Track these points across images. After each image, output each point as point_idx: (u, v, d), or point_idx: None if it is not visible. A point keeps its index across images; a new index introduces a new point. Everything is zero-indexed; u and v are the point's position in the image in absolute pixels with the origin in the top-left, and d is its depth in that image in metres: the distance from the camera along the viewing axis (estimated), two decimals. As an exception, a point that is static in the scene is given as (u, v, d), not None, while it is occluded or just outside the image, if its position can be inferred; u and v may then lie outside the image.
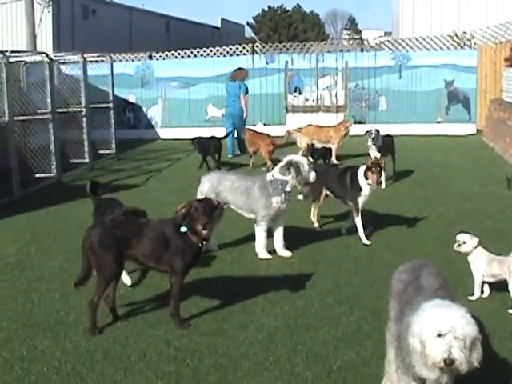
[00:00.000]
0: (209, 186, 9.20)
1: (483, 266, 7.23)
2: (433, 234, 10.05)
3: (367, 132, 14.10)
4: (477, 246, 7.28)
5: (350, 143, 17.89)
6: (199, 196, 8.82)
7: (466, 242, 7.30)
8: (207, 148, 17.09)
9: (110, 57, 20.42)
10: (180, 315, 6.70)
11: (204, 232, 6.43)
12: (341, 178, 10.12)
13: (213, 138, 17.31)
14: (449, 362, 3.93)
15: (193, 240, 6.51)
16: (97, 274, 6.59)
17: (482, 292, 7.33)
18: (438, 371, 4.07)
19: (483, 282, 7.31)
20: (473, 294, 7.29)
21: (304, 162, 8.99)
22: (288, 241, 9.40)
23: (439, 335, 3.97)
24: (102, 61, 20.82)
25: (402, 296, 4.76)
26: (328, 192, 10.52)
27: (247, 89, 20.02)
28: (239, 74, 20.30)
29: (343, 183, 10.05)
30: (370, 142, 13.88)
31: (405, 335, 4.23)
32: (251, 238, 9.53)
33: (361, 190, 9.78)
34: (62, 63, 19.62)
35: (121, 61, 25.99)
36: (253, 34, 79.25)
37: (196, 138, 17.66)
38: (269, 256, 8.96)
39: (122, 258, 6.63)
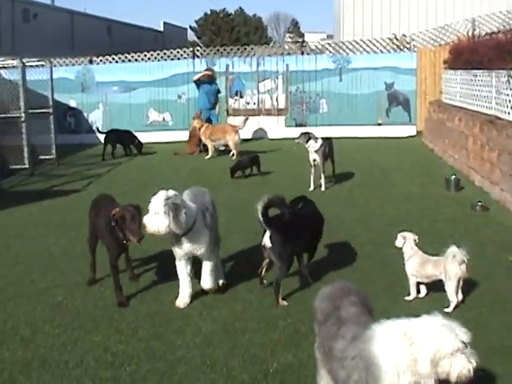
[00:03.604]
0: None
1: (415, 266, 7.35)
2: (371, 235, 10.15)
3: (302, 135, 14.05)
4: (405, 243, 7.46)
5: (289, 146, 17.96)
6: None
7: (400, 238, 7.50)
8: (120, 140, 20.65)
9: (50, 61, 20.21)
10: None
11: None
12: None
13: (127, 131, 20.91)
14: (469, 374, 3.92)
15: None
16: None
17: (419, 292, 7.44)
18: None
19: (419, 283, 7.42)
20: (409, 294, 7.40)
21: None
22: (226, 242, 9.29)
23: (457, 350, 3.94)
24: (42, 65, 20.63)
25: (322, 328, 4.66)
26: None
27: None
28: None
29: None
30: (309, 145, 13.87)
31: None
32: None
33: None
34: (1, 68, 19.38)
35: (61, 65, 25.72)
36: (195, 38, 79.16)
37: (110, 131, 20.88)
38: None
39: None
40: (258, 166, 15.70)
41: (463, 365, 3.90)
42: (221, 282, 7.91)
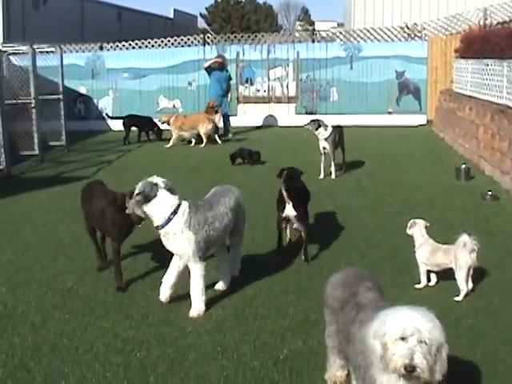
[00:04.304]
0: None
1: (426, 254, 7.35)
2: (380, 223, 10.16)
3: (312, 122, 14.00)
4: (415, 229, 7.47)
5: (300, 134, 17.93)
6: None
7: (412, 225, 7.49)
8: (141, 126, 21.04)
9: (60, 48, 20.20)
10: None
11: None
12: None
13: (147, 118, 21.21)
14: (410, 369, 3.66)
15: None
16: None
17: (429, 280, 7.43)
18: (398, 378, 3.79)
19: (429, 271, 7.42)
20: (419, 283, 7.39)
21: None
22: None
23: (402, 338, 3.71)
24: (52, 52, 20.63)
25: (340, 315, 4.59)
26: None
27: None
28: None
29: None
30: (318, 132, 13.83)
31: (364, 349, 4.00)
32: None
33: None
34: (12, 54, 19.38)
35: (71, 52, 25.72)
36: (206, 25, 78.96)
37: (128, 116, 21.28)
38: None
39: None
40: (257, 159, 15.65)
41: (402, 355, 3.71)
42: (218, 286, 7.47)
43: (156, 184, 6.62)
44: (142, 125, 21.04)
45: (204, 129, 19.40)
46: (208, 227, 6.79)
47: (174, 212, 6.63)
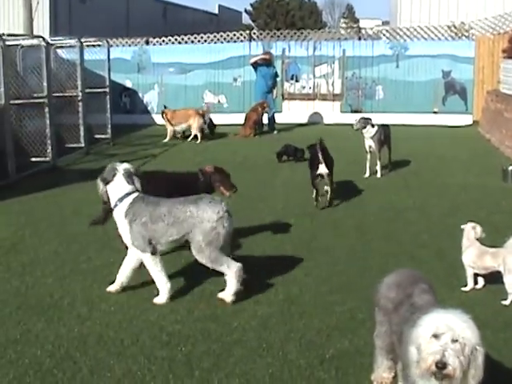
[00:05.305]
0: None
1: (473, 257, 7.24)
2: (427, 225, 10.05)
3: (361, 119, 13.92)
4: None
5: (345, 132, 17.85)
6: None
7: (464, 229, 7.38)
8: None
9: (107, 41, 20.33)
10: None
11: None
12: None
13: None
14: (441, 366, 3.59)
15: None
16: None
17: (476, 283, 7.34)
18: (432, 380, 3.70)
19: (476, 274, 7.32)
20: (466, 285, 7.30)
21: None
22: (284, 227, 9.70)
23: (435, 336, 3.66)
24: (99, 45, 20.77)
25: (393, 316, 4.53)
26: None
27: None
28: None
29: None
30: (366, 131, 13.75)
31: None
32: (246, 224, 9.57)
33: None
34: (59, 47, 19.53)
35: (117, 46, 25.88)
36: (250, 21, 78.91)
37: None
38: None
39: None
40: (301, 156, 15.61)
41: (433, 352, 3.65)
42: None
43: (116, 169, 7.07)
44: None
45: (196, 123, 19.80)
46: (148, 222, 6.89)
47: (121, 199, 6.98)
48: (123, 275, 7.24)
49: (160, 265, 7.01)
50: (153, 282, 7.15)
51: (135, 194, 7.00)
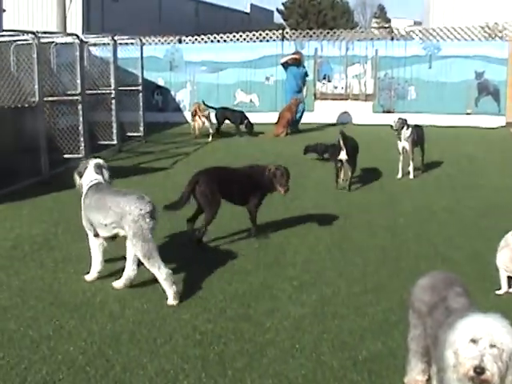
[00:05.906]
0: None
1: (506, 260, 7.17)
2: (461, 227, 9.98)
3: (399, 120, 13.83)
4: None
5: (377, 132, 17.80)
6: None
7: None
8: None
9: (140, 40, 20.40)
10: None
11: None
12: None
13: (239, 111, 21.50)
14: (479, 371, 3.54)
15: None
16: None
17: (510, 286, 7.27)
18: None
19: (510, 277, 7.25)
20: (500, 288, 7.24)
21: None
22: (316, 227, 9.68)
23: (473, 340, 3.61)
24: (132, 43, 20.85)
25: (428, 319, 4.49)
26: None
27: None
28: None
29: None
30: (401, 132, 13.66)
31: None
32: (279, 224, 9.57)
33: None
34: (92, 45, 19.63)
35: (150, 44, 25.96)
36: (282, 21, 78.85)
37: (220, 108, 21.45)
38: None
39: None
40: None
41: (472, 357, 3.60)
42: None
43: (88, 163, 7.83)
44: (233, 118, 21.13)
45: (196, 124, 20.13)
46: (88, 206, 7.57)
47: (86, 186, 7.69)
48: (96, 262, 7.71)
49: (99, 248, 7.65)
50: (184, 282, 7.18)
51: (95, 182, 7.64)
